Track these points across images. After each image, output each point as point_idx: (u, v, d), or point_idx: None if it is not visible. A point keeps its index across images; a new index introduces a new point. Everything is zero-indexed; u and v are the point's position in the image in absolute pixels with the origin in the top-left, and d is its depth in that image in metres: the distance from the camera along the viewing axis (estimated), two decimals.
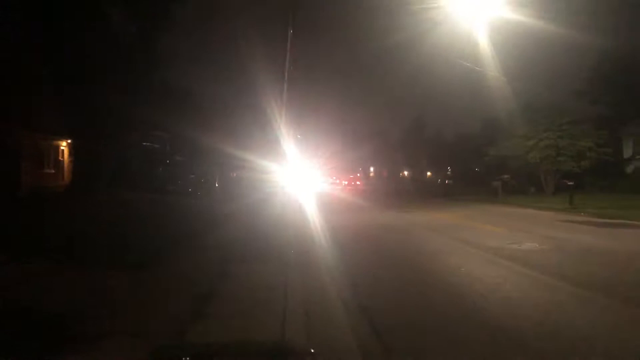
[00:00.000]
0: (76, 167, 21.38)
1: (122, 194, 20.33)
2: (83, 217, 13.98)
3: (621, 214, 17.96)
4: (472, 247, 10.85)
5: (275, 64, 23.82)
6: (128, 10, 20.83)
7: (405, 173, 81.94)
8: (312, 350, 2.87)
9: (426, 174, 79.12)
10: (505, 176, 38.88)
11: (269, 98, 23.97)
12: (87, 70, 18.57)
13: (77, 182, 20.51)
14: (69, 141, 24.75)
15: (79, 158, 21.30)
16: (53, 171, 24.89)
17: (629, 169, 37.56)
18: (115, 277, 7.11)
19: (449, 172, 71.14)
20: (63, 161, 26.05)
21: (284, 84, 21.24)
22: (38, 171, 23.02)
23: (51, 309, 5.53)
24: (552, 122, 33.70)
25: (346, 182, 77.94)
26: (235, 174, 27.05)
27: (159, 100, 21.78)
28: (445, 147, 67.76)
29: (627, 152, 39.76)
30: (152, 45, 21.64)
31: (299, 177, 25.53)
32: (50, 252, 8.60)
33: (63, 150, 26.08)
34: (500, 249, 10.27)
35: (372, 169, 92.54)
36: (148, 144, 26.69)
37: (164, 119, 22.58)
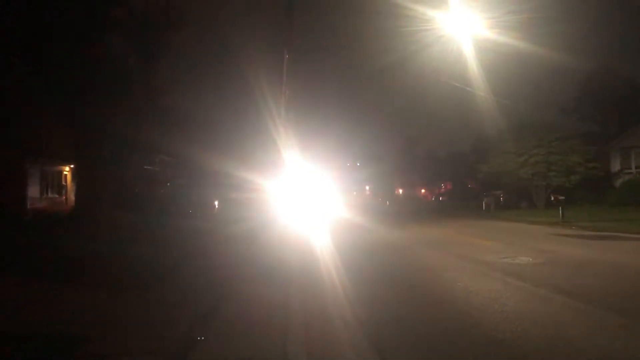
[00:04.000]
0: (79, 191, 21.74)
1: (124, 216, 20.67)
2: (85, 239, 14.31)
3: (611, 226, 18.47)
4: (467, 261, 11.17)
5: (272, 86, 24.38)
6: (127, 37, 21.42)
7: (400, 191, 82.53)
8: None
9: (420, 191, 79.75)
10: (497, 192, 39.54)
11: (269, 120, 24.48)
12: (88, 95, 19.01)
13: (80, 206, 20.84)
14: (72, 166, 25.16)
15: (81, 182, 21.66)
16: (57, 196, 25.28)
17: (617, 182, 38.25)
18: (118, 298, 7.41)
19: (442, 189, 71.82)
20: (66, 186, 26.44)
21: (283, 109, 21.83)
22: (42, 196, 23.39)
23: (53, 330, 5.74)
24: (541, 139, 34.56)
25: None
26: (235, 195, 27.34)
27: (159, 123, 22.25)
28: (438, 165, 68.52)
29: (615, 166, 40.58)
30: (152, 70, 22.18)
31: (299, 198, 25.83)
32: (54, 274, 8.93)
33: (66, 175, 26.48)
34: (495, 263, 10.58)
35: (367, 187, 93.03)
36: (149, 167, 27.12)
37: (165, 141, 23.03)
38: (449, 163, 65.91)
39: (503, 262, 10.77)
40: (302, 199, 25.75)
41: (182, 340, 5.39)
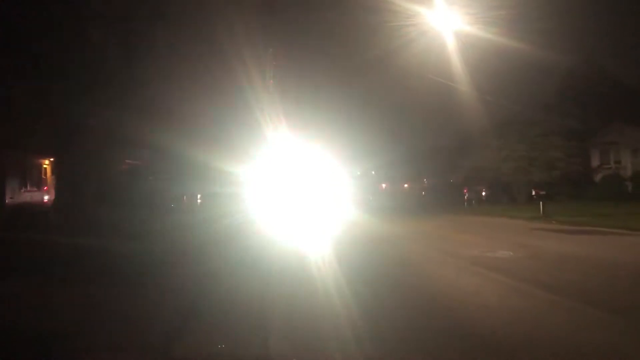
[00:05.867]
0: (59, 185, 21.44)
1: (105, 210, 20.40)
2: (66, 234, 14.15)
3: (590, 221, 18.69)
4: (448, 256, 11.26)
5: (258, 79, 24.21)
6: (106, 27, 21.03)
7: (384, 186, 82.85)
8: None
9: (403, 186, 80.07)
10: (479, 187, 39.90)
11: (257, 113, 24.32)
12: (69, 88, 18.72)
13: (60, 200, 20.56)
14: (52, 159, 24.81)
15: (61, 176, 21.37)
16: (36, 189, 24.91)
17: (597, 177, 38.84)
18: (100, 293, 7.35)
19: (424, 184, 72.16)
20: (46, 179, 26.08)
21: (268, 103, 21.76)
22: (21, 190, 23.03)
23: (34, 326, 5.70)
24: (523, 135, 34.92)
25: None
26: (218, 189, 27.13)
27: (141, 116, 21.97)
28: (421, 160, 68.74)
29: (595, 162, 41.22)
30: (133, 61, 21.84)
31: (283, 192, 25.71)
32: (33, 269, 8.83)
33: (46, 168, 26.10)
34: (476, 257, 10.64)
35: (351, 182, 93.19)
36: (130, 160, 26.82)
37: (146, 134, 22.74)
38: (432, 158, 66.23)
39: (484, 257, 10.83)
40: (285, 192, 25.63)
41: (165, 336, 5.35)
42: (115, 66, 20.50)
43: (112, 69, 20.46)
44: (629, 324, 5.69)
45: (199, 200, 27.37)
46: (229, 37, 22.07)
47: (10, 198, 21.35)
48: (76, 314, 6.31)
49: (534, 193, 25.89)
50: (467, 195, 35.97)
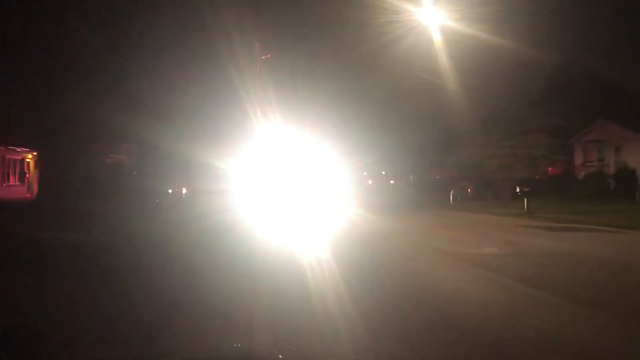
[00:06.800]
0: (42, 179, 21.21)
1: (88, 205, 20.21)
2: (48, 229, 13.98)
3: (574, 218, 18.89)
4: (433, 252, 11.34)
5: (247, 74, 24.05)
6: (90, 17, 20.72)
7: (370, 182, 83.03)
8: (280, 357, 3.05)
9: (390, 182, 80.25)
10: (464, 183, 40.07)
11: (247, 106, 24.15)
12: (52, 81, 18.49)
13: (44, 194, 20.35)
14: (35, 153, 24.52)
15: (45, 170, 21.14)
16: (19, 184, 24.61)
17: (581, 175, 39.21)
18: (83, 288, 7.31)
19: (411, 180, 72.37)
20: (29, 173, 25.76)
21: (257, 96, 21.65)
22: (4, 184, 22.74)
23: (15, 320, 5.63)
24: (508, 132, 35.14)
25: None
26: (204, 185, 26.88)
27: (126, 109, 21.74)
28: (408, 156, 68.85)
29: (579, 160, 41.63)
30: (119, 56, 21.58)
31: (271, 187, 25.50)
32: (15, 264, 8.73)
33: (29, 162, 25.79)
34: (462, 254, 10.72)
35: (337, 179, 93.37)
36: (115, 155, 26.61)
37: (132, 128, 22.53)
38: (418, 154, 66.44)
39: (469, 253, 10.91)
40: (272, 188, 25.45)
41: (148, 331, 5.32)
42: (99, 59, 20.26)
43: (96, 61, 20.22)
44: (609, 319, 5.78)
45: (184, 196, 27.12)
46: (216, 29, 21.88)
47: None
48: (55, 309, 6.25)
49: (518, 190, 26.05)
50: (452, 192, 36.09)
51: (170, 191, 26.74)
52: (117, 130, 22.99)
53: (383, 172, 77.97)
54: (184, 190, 27.31)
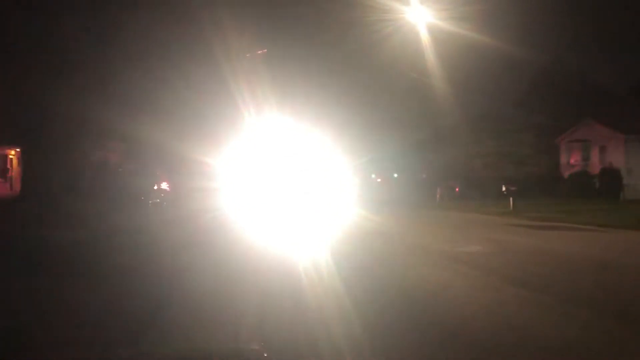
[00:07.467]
0: (25, 176, 20.94)
1: (72, 202, 19.98)
2: (31, 226, 13.84)
3: (559, 217, 19.06)
4: (419, 250, 11.40)
5: (238, 69, 23.83)
6: (75, 10, 20.45)
7: (357, 181, 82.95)
8: (265, 355, 3.03)
9: (377, 181, 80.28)
10: (451, 182, 40.28)
11: (240, 103, 23.97)
12: (36, 76, 18.24)
13: (27, 191, 20.11)
14: (18, 149, 24.20)
15: (28, 166, 20.87)
16: (1, 180, 24.29)
17: (566, 174, 39.56)
18: (65, 286, 7.24)
19: (397, 179, 72.47)
20: (11, 170, 25.44)
21: (248, 92, 21.54)
22: None
23: None
24: (494, 130, 35.39)
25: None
26: (191, 183, 26.65)
27: (113, 106, 21.50)
28: (395, 155, 68.88)
29: (565, 159, 41.99)
30: (105, 50, 21.32)
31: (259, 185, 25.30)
32: None
33: (12, 159, 25.46)
34: (447, 252, 10.78)
35: (325, 178, 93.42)
36: (101, 152, 26.30)
37: (118, 125, 22.27)
38: (405, 153, 66.52)
39: (455, 252, 10.94)
40: (263, 185, 25.23)
41: (133, 331, 5.26)
42: (84, 54, 20.04)
43: (81, 57, 19.99)
44: (593, 316, 5.81)
45: (170, 194, 26.88)
46: (204, 22, 21.70)
47: None
48: (36, 308, 6.17)
49: (504, 189, 26.27)
50: (439, 190, 36.28)
51: (155, 188, 26.49)
52: (103, 126, 22.71)
53: (373, 176, 78.23)
54: (168, 188, 27.04)
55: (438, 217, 21.90)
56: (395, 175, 72.84)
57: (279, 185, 25.31)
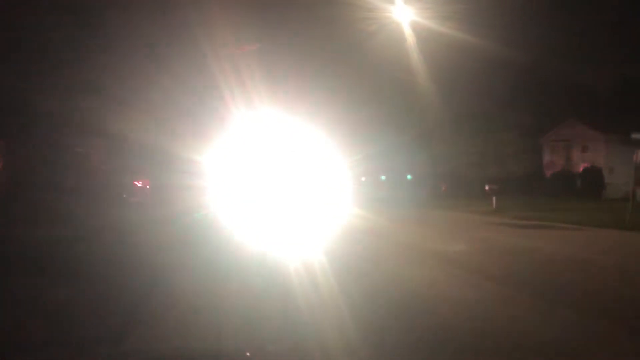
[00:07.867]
0: (5, 173, 20.64)
1: (54, 200, 19.74)
2: (11, 224, 13.65)
3: (541, 216, 19.27)
4: (402, 249, 11.45)
5: (226, 65, 23.62)
6: (61, 11, 20.22)
7: (343, 181, 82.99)
8: (248, 354, 3.01)
9: (361, 180, 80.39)
10: (438, 181, 40.56)
11: (226, 97, 23.71)
12: (17, 72, 18.00)
13: (7, 189, 19.83)
14: None
15: (8, 163, 20.57)
16: None
17: (549, 173, 40.00)
18: (47, 286, 7.10)
19: (382, 179, 72.74)
20: None
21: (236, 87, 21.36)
22: None
23: None
24: (477, 130, 35.69)
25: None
26: (173, 181, 26.36)
27: (95, 101, 21.24)
28: (381, 155, 69.04)
29: (547, 159, 42.46)
30: (88, 44, 21.05)
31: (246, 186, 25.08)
32: None
33: None
34: (431, 251, 10.87)
35: (312, 178, 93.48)
36: (82, 148, 25.97)
37: (101, 121, 22.01)
38: (390, 153, 66.71)
39: (439, 250, 11.03)
40: (250, 184, 25.03)
41: (114, 331, 5.21)
42: (67, 50, 19.78)
43: (63, 53, 19.74)
44: (575, 315, 5.84)
45: (149, 190, 26.58)
46: (190, 17, 21.48)
47: None
48: (16, 308, 6.08)
49: (487, 188, 26.45)
50: (424, 189, 36.53)
51: (140, 186, 26.25)
52: (86, 123, 22.43)
53: (363, 179, 78.46)
54: (148, 186, 26.74)
55: (422, 216, 21.99)
56: (383, 177, 73.22)
57: (268, 183, 25.12)
